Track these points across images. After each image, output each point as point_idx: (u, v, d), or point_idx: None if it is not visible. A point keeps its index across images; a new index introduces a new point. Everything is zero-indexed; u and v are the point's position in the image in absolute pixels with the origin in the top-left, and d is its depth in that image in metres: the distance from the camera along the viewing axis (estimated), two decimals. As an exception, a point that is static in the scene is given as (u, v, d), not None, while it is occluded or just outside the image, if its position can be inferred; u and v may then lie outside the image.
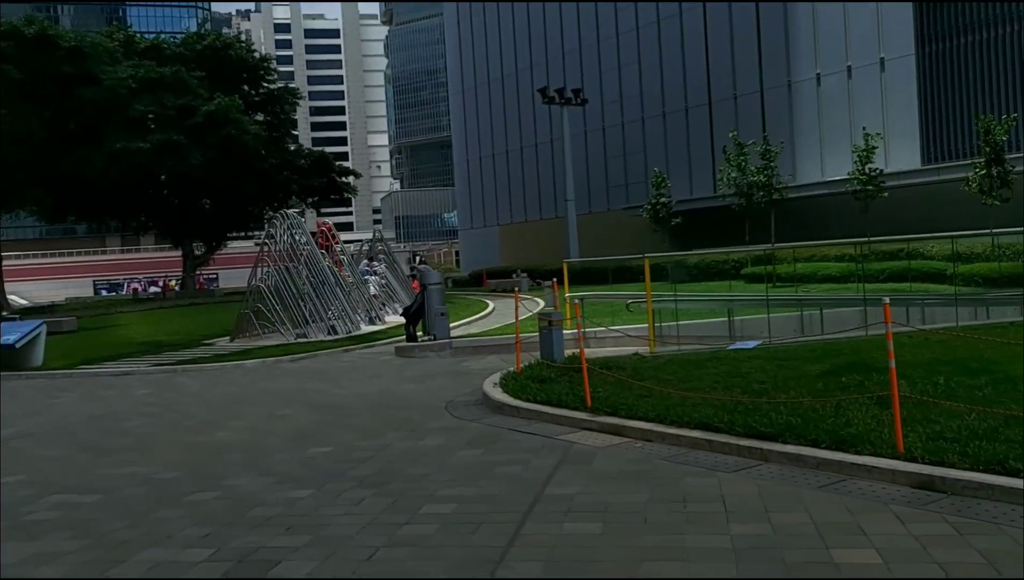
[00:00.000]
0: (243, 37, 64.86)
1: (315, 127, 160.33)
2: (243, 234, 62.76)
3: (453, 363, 15.43)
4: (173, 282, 77.59)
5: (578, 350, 13.25)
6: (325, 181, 55.31)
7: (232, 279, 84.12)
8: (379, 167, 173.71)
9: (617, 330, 16.06)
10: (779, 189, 31.38)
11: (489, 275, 44.91)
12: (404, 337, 18.70)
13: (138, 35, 54.78)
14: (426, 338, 17.70)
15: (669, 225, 38.85)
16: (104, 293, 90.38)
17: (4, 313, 34.58)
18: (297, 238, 22.19)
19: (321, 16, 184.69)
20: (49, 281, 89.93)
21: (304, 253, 22.06)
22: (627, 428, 8.08)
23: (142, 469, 8.10)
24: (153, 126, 46.15)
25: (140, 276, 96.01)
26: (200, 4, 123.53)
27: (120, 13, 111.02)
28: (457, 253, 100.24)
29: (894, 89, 36.81)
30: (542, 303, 28.00)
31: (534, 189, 58.44)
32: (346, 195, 59.09)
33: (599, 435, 8.21)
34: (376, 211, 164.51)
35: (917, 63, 36.05)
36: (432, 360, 16.14)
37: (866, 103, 37.69)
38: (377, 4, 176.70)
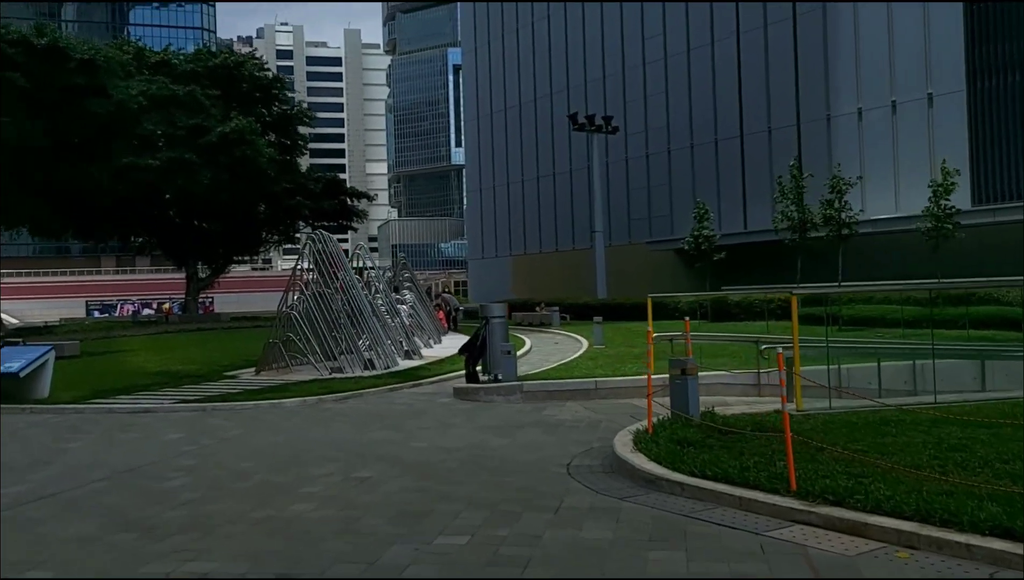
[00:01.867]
0: (257, 54, 63.20)
1: (314, 153, 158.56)
2: (247, 258, 60.54)
3: (530, 411, 13.32)
4: (168, 305, 75.01)
5: (714, 404, 10.88)
6: (337, 204, 53.41)
7: (228, 304, 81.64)
8: (376, 195, 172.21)
9: (711, 376, 14.03)
10: (848, 224, 29.35)
11: (511, 307, 42.76)
12: (460, 375, 16.66)
13: (148, 49, 52.99)
14: (487, 378, 15.60)
15: (711, 260, 36.89)
16: (96, 314, 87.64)
17: (2, 335, 32.13)
18: (334, 262, 20.13)
19: (324, 44, 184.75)
20: (40, 300, 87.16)
21: (341, 278, 19.99)
22: (872, 527, 6.00)
23: (212, 565, 5.97)
24: (162, 144, 44.27)
25: (135, 298, 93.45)
26: (205, 27, 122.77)
27: (124, 32, 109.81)
28: (456, 283, 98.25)
29: (942, 126, 35.17)
30: (585, 342, 25.95)
31: (550, 219, 56.57)
32: (355, 220, 57.14)
33: (829, 534, 6.13)
34: (372, 239, 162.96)
35: (968, 99, 34.45)
36: (502, 406, 14.04)
37: (911, 139, 36.07)
38: (380, 33, 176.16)
